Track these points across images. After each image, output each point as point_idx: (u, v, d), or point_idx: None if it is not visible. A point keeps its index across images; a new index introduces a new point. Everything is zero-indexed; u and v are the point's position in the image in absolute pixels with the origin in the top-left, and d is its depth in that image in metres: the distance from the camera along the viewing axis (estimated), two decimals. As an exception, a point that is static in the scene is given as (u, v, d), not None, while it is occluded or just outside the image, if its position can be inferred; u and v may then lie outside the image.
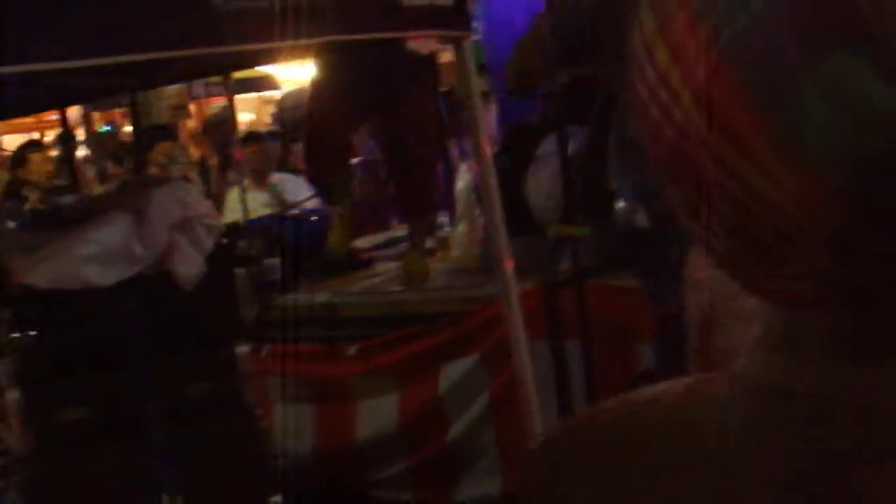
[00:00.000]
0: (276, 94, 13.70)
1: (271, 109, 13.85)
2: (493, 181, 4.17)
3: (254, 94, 16.01)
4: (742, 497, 0.74)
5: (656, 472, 0.79)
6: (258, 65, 7.44)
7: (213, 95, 13.80)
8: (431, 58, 6.26)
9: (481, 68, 7.16)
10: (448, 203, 6.83)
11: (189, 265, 4.07)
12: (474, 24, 7.03)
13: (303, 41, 3.63)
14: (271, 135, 10.40)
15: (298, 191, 8.13)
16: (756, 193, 0.66)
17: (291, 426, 5.73)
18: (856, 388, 0.71)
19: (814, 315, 0.74)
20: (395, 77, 5.96)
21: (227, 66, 6.03)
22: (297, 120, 9.83)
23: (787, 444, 0.73)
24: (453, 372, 5.39)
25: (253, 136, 9.20)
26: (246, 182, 7.95)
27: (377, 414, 5.63)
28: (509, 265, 4.16)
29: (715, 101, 0.66)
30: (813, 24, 0.63)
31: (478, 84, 4.53)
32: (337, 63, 5.92)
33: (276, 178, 8.70)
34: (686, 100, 0.68)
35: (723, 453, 0.76)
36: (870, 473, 0.70)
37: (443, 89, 7.58)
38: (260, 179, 8.60)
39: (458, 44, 4.13)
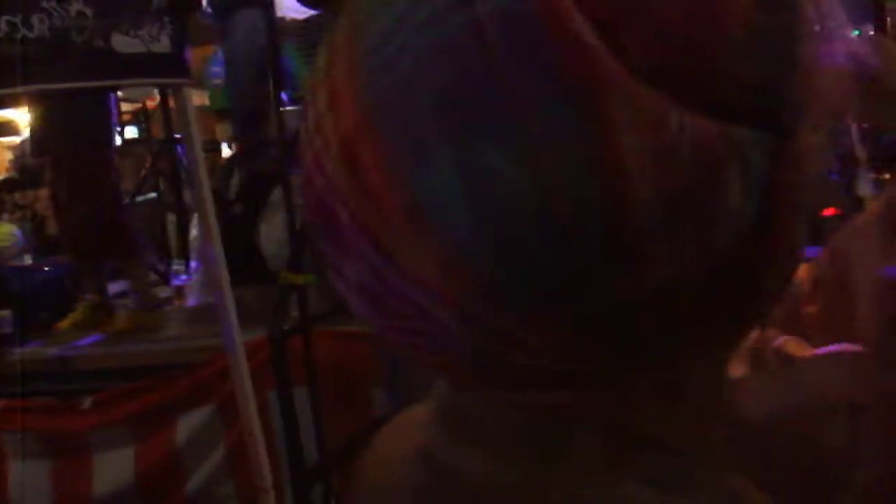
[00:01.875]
0: (16, 140, 13.34)
1: (10, 156, 13.47)
2: (215, 231, 4.13)
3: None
4: None
5: None
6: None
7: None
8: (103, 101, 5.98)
9: (225, 113, 7.14)
10: (184, 251, 6.75)
11: None
12: (216, 69, 7.00)
13: (17, 88, 3.55)
14: (6, 183, 10.11)
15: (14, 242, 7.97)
16: (388, 257, 0.63)
17: (27, 483, 5.57)
18: (518, 480, 0.69)
19: (475, 400, 0.73)
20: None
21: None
22: (37, 166, 9.63)
23: None
24: (190, 423, 5.30)
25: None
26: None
27: (114, 467, 5.49)
28: (233, 317, 4.12)
29: (358, 155, 0.63)
30: (460, 98, 0.60)
31: (219, 130, 4.49)
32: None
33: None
34: (334, 149, 0.64)
35: None
36: None
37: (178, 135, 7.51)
38: None
39: (177, 92, 4.09)
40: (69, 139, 5.58)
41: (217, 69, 7.17)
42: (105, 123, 5.80)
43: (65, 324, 6.04)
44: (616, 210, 0.58)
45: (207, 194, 4.13)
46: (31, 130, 6.19)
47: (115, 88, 5.10)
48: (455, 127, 0.60)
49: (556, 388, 0.67)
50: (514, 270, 0.60)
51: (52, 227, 8.47)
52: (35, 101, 5.44)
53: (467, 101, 0.60)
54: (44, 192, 8.84)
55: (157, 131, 8.23)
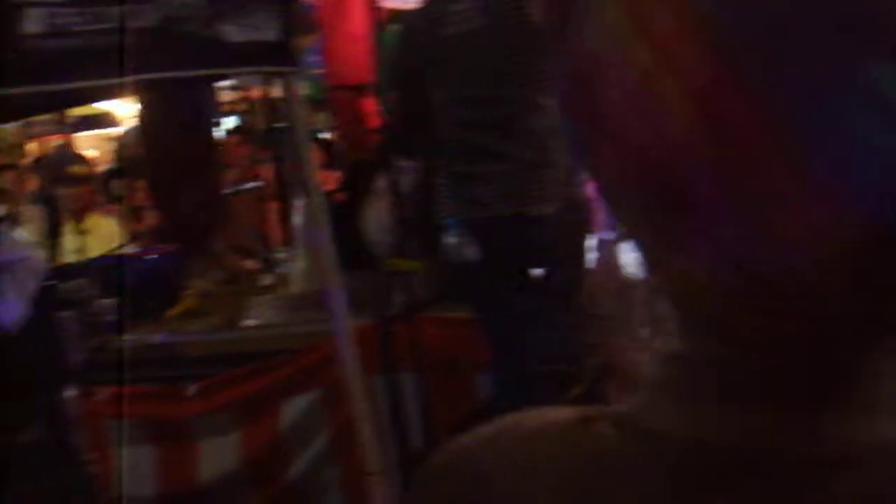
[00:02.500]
0: (116, 132, 13.52)
1: (111, 147, 13.64)
2: (323, 218, 4.15)
3: (96, 132, 15.79)
4: None
5: None
6: (87, 103, 7.33)
7: (51, 133, 13.58)
8: (204, 93, 6.01)
9: (319, 102, 7.16)
10: (288, 239, 6.79)
11: (11, 309, 3.98)
12: (314, 58, 7.03)
13: (129, 78, 3.59)
14: (110, 173, 10.23)
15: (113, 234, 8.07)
16: (768, 222, 0.57)
17: (132, 470, 5.64)
18: (775, 438, 0.64)
19: (718, 358, 0.67)
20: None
21: (58, 105, 5.93)
22: (138, 157, 9.74)
23: (698, 500, 0.66)
24: (294, 409, 5.34)
25: (74, 178, 9.03)
26: (70, 223, 7.83)
27: (219, 454, 5.55)
28: (341, 302, 4.15)
29: (724, 112, 0.56)
30: (857, 29, 0.54)
31: (313, 119, 4.52)
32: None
33: (94, 220, 8.61)
34: (684, 108, 0.58)
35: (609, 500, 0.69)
36: None
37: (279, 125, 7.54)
38: (77, 220, 8.48)
39: (283, 80, 4.12)
40: (175, 129, 5.63)
41: (315, 58, 7.20)
42: (211, 113, 5.86)
43: (174, 312, 6.09)
44: None
45: (315, 182, 4.16)
46: (140, 119, 6.27)
47: (222, 77, 5.14)
48: (858, 56, 0.54)
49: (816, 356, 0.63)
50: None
51: (151, 218, 8.57)
52: (141, 91, 5.49)
53: (874, 30, 0.54)
54: (140, 183, 8.95)
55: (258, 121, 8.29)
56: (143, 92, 5.52)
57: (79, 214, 8.47)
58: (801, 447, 0.63)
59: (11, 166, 10.66)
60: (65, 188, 8.40)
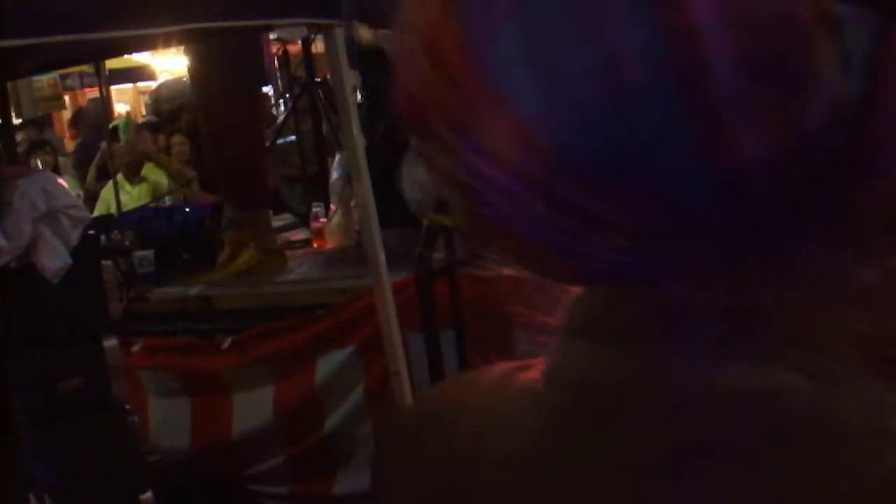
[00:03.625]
0: (152, 85, 13.54)
1: (147, 100, 13.67)
2: (364, 172, 4.14)
3: (129, 85, 15.83)
4: (550, 498, 0.70)
5: (465, 470, 0.76)
6: (126, 53, 7.32)
7: (88, 86, 13.60)
8: (254, 47, 5.97)
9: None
10: (323, 194, 6.79)
11: (54, 258, 3.99)
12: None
13: (170, 27, 3.58)
14: (145, 127, 10.26)
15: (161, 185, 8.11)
16: (471, 143, 0.62)
17: (166, 421, 5.67)
18: (633, 378, 0.67)
19: (596, 297, 0.70)
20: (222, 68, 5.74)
21: (96, 55, 5.93)
22: (173, 110, 9.76)
23: (591, 440, 0.69)
24: (329, 363, 5.35)
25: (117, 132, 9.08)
26: (119, 176, 7.86)
27: (253, 407, 5.57)
28: (382, 256, 4.14)
29: (440, 43, 0.63)
30: None
31: (351, 75, 4.51)
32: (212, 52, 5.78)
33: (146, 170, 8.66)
34: (421, 44, 0.65)
35: (527, 451, 0.72)
36: (686, 467, 0.65)
37: (318, 79, 7.53)
38: (132, 173, 8.53)
39: (328, 33, 4.10)
40: (221, 81, 5.62)
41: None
42: (257, 65, 5.84)
43: (222, 261, 6.10)
44: (689, 70, 0.56)
45: (358, 136, 4.15)
46: (190, 72, 6.26)
47: (268, 28, 5.12)
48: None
49: (655, 283, 0.65)
50: (588, 139, 0.58)
51: (190, 171, 8.59)
52: (184, 42, 5.48)
53: None
54: (177, 138, 8.98)
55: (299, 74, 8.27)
56: (189, 42, 5.52)
57: (132, 166, 8.53)
58: (657, 386, 0.66)
59: (48, 118, 10.70)
60: (114, 141, 8.44)
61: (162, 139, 9.76)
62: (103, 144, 8.76)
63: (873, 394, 0.64)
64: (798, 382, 0.64)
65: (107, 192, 8.14)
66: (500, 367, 0.81)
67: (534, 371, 0.76)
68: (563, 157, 0.59)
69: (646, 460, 0.66)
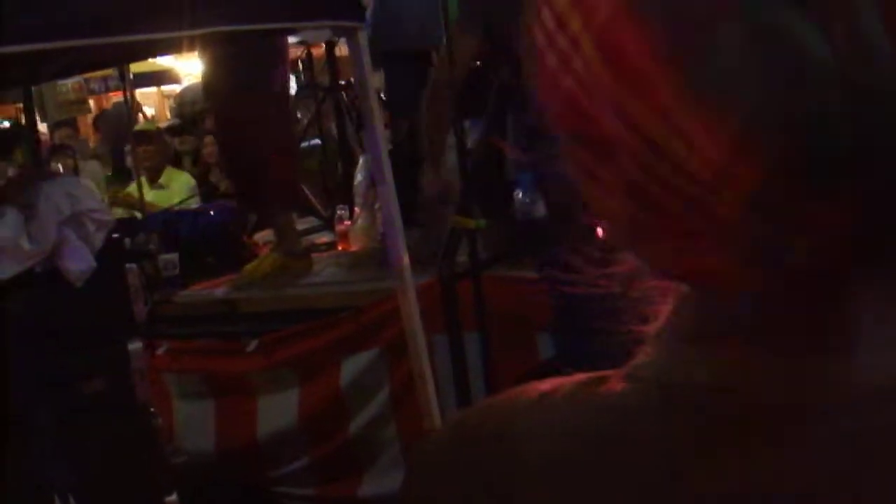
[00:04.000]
0: (176, 88, 13.57)
1: (171, 103, 13.71)
2: (388, 174, 4.14)
3: (154, 89, 15.86)
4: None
5: (534, 482, 0.72)
6: (151, 56, 7.35)
7: (112, 90, 13.64)
8: (277, 48, 5.94)
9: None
10: (348, 197, 6.79)
11: (79, 261, 4.00)
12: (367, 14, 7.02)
13: (195, 31, 3.59)
14: (169, 130, 10.29)
15: (186, 188, 8.14)
16: (661, 150, 0.60)
17: (191, 423, 5.68)
18: (783, 382, 0.66)
19: (731, 301, 0.68)
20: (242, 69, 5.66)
21: (120, 58, 5.94)
22: (196, 114, 9.79)
23: (711, 448, 0.67)
24: (354, 366, 5.35)
25: (145, 135, 9.11)
26: (141, 178, 7.88)
27: (278, 409, 5.58)
28: (405, 258, 4.14)
29: (618, 47, 0.61)
30: None
31: (375, 77, 4.50)
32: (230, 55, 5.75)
33: (168, 175, 8.72)
34: (586, 46, 0.63)
35: (627, 461, 0.69)
36: (809, 474, 0.64)
37: (342, 82, 7.53)
38: (153, 177, 8.57)
39: (351, 35, 4.10)
40: (241, 85, 5.61)
41: (368, 14, 7.18)
42: (279, 69, 5.83)
43: (246, 270, 6.09)
44: None
45: (381, 138, 4.15)
46: (203, 76, 6.25)
47: (291, 31, 5.12)
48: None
49: (828, 279, 0.64)
50: (812, 142, 0.57)
51: (216, 174, 8.62)
52: (206, 46, 5.48)
53: None
54: (208, 139, 9.00)
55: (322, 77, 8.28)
56: (210, 46, 5.52)
57: (153, 170, 8.57)
58: (811, 393, 0.65)
59: (73, 121, 10.74)
60: (137, 145, 8.47)
61: (189, 141, 9.81)
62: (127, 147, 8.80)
63: None
64: None
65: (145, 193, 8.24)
66: (566, 382, 0.77)
67: (614, 382, 0.72)
68: (784, 160, 0.58)
69: (832, 455, 0.64)
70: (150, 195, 8.05)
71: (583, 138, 0.65)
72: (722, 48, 0.58)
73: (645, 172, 0.62)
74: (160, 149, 9.05)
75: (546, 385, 0.77)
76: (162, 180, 8.68)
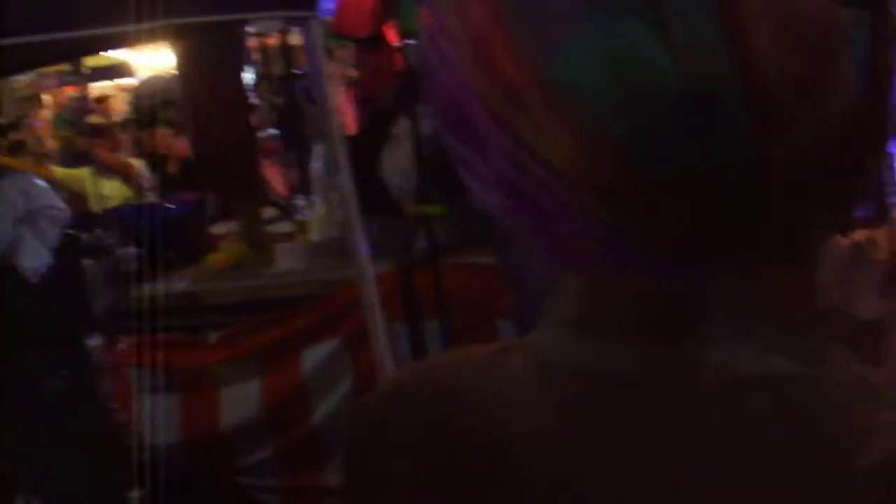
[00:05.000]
0: (132, 82, 13.49)
1: (127, 97, 13.63)
2: (343, 162, 4.14)
3: (109, 82, 15.75)
4: (535, 482, 0.73)
5: (452, 447, 0.78)
6: (104, 50, 7.29)
7: (67, 84, 13.55)
8: (234, 35, 5.91)
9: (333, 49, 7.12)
10: (306, 186, 6.77)
11: (34, 258, 3.99)
12: (328, 5, 6.99)
13: (149, 24, 3.57)
14: (125, 123, 10.24)
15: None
16: (526, 145, 0.65)
17: (154, 418, 5.66)
18: (652, 368, 0.71)
19: (608, 288, 0.73)
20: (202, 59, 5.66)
21: (73, 53, 5.90)
22: (153, 107, 9.73)
23: (580, 427, 0.72)
24: (315, 356, 5.35)
25: (99, 129, 9.06)
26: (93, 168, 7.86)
27: (241, 400, 5.57)
28: (364, 247, 4.14)
29: (489, 50, 0.65)
30: None
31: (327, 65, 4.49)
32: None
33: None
34: (463, 48, 0.67)
35: (514, 433, 0.74)
36: (665, 456, 0.69)
37: (297, 71, 7.52)
38: (107, 171, 8.53)
39: (304, 25, 4.09)
40: (205, 75, 5.59)
41: (329, 5, 7.16)
42: (238, 59, 5.81)
43: (209, 260, 6.07)
44: (751, 82, 0.61)
45: (336, 127, 4.14)
46: (178, 68, 6.22)
47: (245, 23, 5.10)
48: (591, 9, 0.62)
49: (687, 268, 0.69)
50: (659, 140, 0.62)
51: (172, 166, 8.57)
52: (168, 36, 5.45)
53: None
54: (163, 132, 8.95)
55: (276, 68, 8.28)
56: (172, 37, 5.48)
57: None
58: (678, 375, 0.70)
59: (25, 118, 10.65)
60: (86, 139, 8.42)
61: (144, 136, 9.75)
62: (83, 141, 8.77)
63: (859, 376, 0.71)
64: (800, 368, 0.69)
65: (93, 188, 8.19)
66: (483, 350, 0.83)
67: (516, 355, 0.79)
68: (630, 158, 0.63)
69: (683, 438, 0.69)
70: (106, 187, 8.01)
71: (462, 135, 0.70)
72: (574, 53, 0.62)
73: (512, 166, 0.67)
74: (114, 143, 9.00)
75: (476, 349, 0.84)
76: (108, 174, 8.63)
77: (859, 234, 0.98)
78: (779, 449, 0.67)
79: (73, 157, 9.89)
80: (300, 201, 6.65)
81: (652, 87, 0.61)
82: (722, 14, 0.60)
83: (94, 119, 9.70)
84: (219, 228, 6.85)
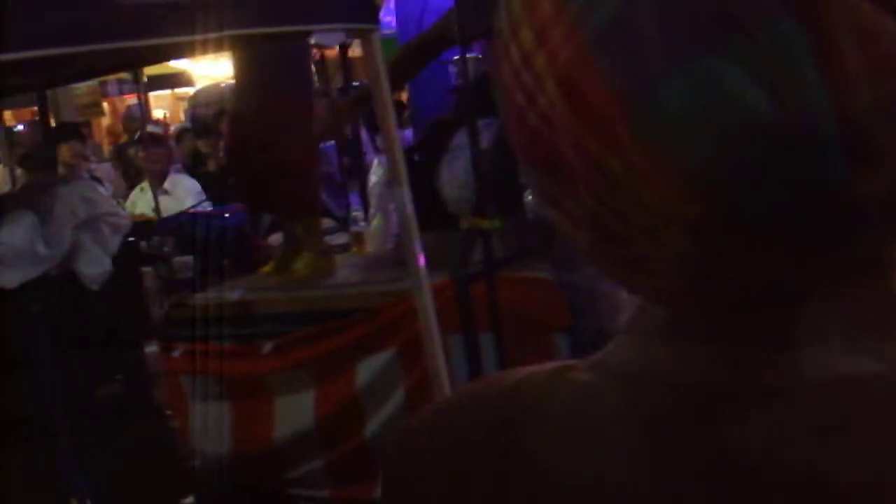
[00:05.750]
0: (190, 91, 13.60)
1: (185, 106, 13.74)
2: (403, 175, 4.14)
3: (167, 91, 15.88)
4: (614, 495, 0.72)
5: (511, 466, 0.77)
6: (165, 60, 7.36)
7: (127, 93, 13.68)
8: (303, 51, 5.91)
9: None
10: (361, 199, 6.79)
11: (94, 265, 4.02)
12: (387, 18, 7.02)
13: (209, 35, 3.59)
14: (188, 131, 10.32)
15: (191, 193, 8.15)
16: (617, 184, 0.65)
17: (207, 426, 5.68)
18: (738, 375, 0.70)
19: (687, 306, 0.72)
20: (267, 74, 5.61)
21: (134, 62, 5.95)
22: (210, 116, 9.80)
23: (669, 435, 0.72)
24: (369, 367, 5.34)
25: (151, 138, 9.13)
26: (147, 182, 7.92)
27: (294, 411, 5.57)
28: (421, 259, 4.14)
29: (579, 87, 0.65)
30: (681, 18, 0.62)
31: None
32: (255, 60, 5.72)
33: (172, 180, 8.75)
34: (549, 84, 0.66)
35: (590, 446, 0.74)
36: (762, 462, 0.69)
37: (356, 83, 7.54)
38: (158, 180, 8.59)
39: (365, 37, 4.10)
40: (266, 88, 5.59)
41: (389, 19, 7.19)
42: (301, 71, 5.81)
43: (266, 269, 6.09)
44: (847, 120, 0.60)
45: (396, 140, 4.15)
46: (234, 78, 6.22)
47: (306, 34, 5.11)
48: (682, 46, 0.62)
49: (772, 302, 0.69)
50: (754, 186, 0.62)
51: (230, 177, 8.62)
52: (226, 48, 5.46)
53: (692, 17, 0.62)
54: (217, 142, 9.01)
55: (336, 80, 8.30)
56: (226, 50, 5.50)
57: (158, 174, 8.59)
58: (763, 380, 0.70)
59: (87, 124, 10.77)
60: (143, 149, 8.50)
61: (202, 145, 9.82)
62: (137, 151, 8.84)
63: None
64: (880, 368, 0.69)
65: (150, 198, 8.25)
66: (544, 368, 0.82)
67: (578, 371, 0.78)
68: (725, 202, 0.63)
69: (781, 438, 0.69)
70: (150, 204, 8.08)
71: (547, 171, 0.69)
72: (671, 95, 0.62)
73: (602, 204, 0.66)
74: (167, 152, 9.07)
75: (521, 373, 0.82)
76: (167, 185, 8.69)
77: None
78: (869, 444, 0.68)
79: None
80: (357, 213, 6.67)
81: (746, 126, 0.61)
82: (816, 48, 0.60)
83: (152, 129, 9.78)
84: (274, 239, 6.89)
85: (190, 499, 4.25)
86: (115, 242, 4.10)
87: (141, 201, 8.36)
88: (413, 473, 0.84)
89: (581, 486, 0.73)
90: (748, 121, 0.61)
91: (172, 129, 11.28)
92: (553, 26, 0.66)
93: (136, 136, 9.06)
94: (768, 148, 0.61)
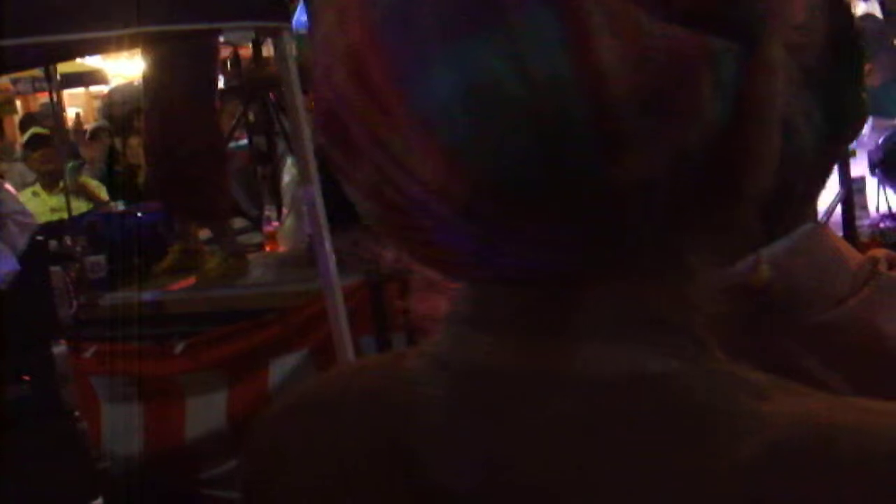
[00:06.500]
0: (104, 89, 13.46)
1: (99, 104, 13.60)
2: (314, 173, 4.14)
3: (81, 90, 15.72)
4: (437, 480, 0.76)
5: (346, 454, 0.82)
6: (77, 57, 7.27)
7: (40, 91, 13.52)
8: (209, 49, 5.90)
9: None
10: (275, 197, 6.76)
11: (1, 264, 3.96)
12: (302, 18, 6.99)
13: (120, 31, 3.57)
14: (101, 129, 10.22)
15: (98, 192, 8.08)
16: (395, 159, 0.68)
17: (118, 427, 5.63)
18: (531, 364, 0.74)
19: (492, 290, 0.76)
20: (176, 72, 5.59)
21: (45, 58, 5.88)
22: (125, 115, 9.70)
23: (483, 423, 0.75)
24: (282, 367, 5.33)
25: (40, 140, 9.00)
26: (38, 185, 7.82)
27: (206, 411, 5.54)
28: (332, 259, 4.14)
29: (366, 66, 0.68)
30: (454, 2, 0.65)
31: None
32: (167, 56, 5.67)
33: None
34: (342, 62, 0.69)
35: (412, 433, 0.78)
36: (570, 446, 0.71)
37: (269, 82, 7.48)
38: (51, 183, 8.47)
39: (276, 36, 4.09)
40: (173, 86, 5.55)
41: (303, 18, 7.16)
42: (208, 70, 5.78)
43: (158, 269, 6.07)
44: (597, 107, 0.63)
45: (308, 138, 4.14)
46: (143, 75, 6.17)
47: (216, 32, 5.08)
48: (452, 32, 0.65)
49: (552, 280, 0.72)
50: (509, 165, 0.65)
51: (142, 175, 8.54)
52: (140, 44, 5.41)
53: (462, 6, 0.65)
54: (134, 141, 8.92)
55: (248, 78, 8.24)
56: (139, 46, 5.46)
57: (51, 175, 8.46)
58: (549, 372, 0.73)
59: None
60: (31, 150, 8.38)
61: (117, 143, 9.71)
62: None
63: (730, 372, 0.72)
64: (673, 366, 0.72)
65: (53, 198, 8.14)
66: (382, 357, 0.89)
67: (409, 359, 0.83)
68: (485, 179, 0.66)
69: (554, 435, 0.72)
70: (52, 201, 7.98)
71: (339, 146, 0.72)
72: (439, 76, 0.65)
73: (383, 177, 0.69)
74: (56, 154, 8.92)
75: (364, 362, 0.92)
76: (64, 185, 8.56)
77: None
78: (639, 446, 0.70)
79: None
80: (269, 212, 6.64)
81: (501, 107, 0.64)
82: (568, 37, 0.63)
83: (39, 130, 9.63)
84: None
85: (99, 500, 4.21)
86: (22, 241, 4.06)
87: (32, 203, 8.08)
88: (273, 465, 0.88)
89: (414, 463, 0.78)
90: (503, 102, 0.64)
91: (87, 127, 11.16)
92: (351, 5, 0.69)
93: (25, 139, 8.90)
94: (521, 129, 0.64)
